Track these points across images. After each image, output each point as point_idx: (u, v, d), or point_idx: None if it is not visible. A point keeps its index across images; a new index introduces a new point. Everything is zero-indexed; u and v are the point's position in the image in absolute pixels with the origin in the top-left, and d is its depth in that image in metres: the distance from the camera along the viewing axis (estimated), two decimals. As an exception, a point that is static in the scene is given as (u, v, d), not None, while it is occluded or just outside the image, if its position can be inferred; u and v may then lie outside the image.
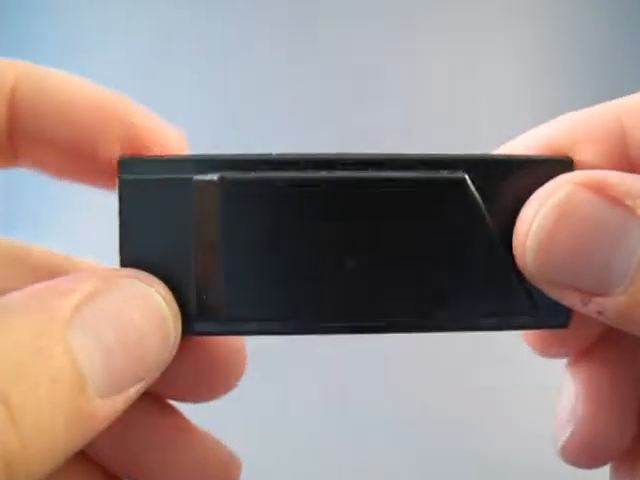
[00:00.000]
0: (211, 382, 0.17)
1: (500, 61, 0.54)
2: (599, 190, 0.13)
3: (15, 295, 0.12)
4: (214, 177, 0.14)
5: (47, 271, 0.16)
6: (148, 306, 0.13)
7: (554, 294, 0.14)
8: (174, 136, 0.16)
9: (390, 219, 0.14)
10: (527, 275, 0.14)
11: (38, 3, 0.55)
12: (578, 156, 0.15)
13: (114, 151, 0.15)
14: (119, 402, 0.13)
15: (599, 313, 0.13)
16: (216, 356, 0.17)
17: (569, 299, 0.14)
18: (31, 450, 0.11)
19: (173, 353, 0.14)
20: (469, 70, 0.53)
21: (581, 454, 0.18)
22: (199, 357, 0.17)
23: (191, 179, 0.14)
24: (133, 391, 0.13)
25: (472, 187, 0.14)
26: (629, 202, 0.13)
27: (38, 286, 0.13)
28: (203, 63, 0.53)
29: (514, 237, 0.14)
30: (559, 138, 0.15)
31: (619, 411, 0.17)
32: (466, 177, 0.14)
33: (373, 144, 0.49)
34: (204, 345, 0.17)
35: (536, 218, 0.13)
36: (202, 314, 0.14)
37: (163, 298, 0.14)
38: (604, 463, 0.18)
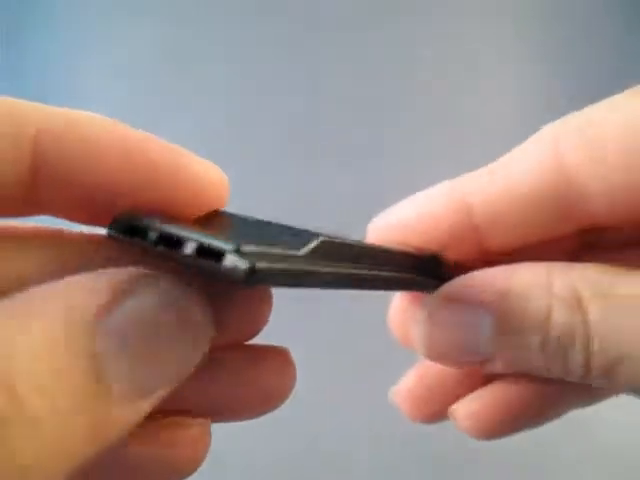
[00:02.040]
0: (261, 395, 0.16)
1: (500, 58, 0.54)
2: (450, 299, 0.17)
3: (38, 292, 0.12)
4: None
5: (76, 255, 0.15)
6: (179, 310, 0.12)
7: None
8: (213, 183, 0.15)
9: None
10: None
11: (40, 18, 0.55)
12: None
13: (144, 198, 0.14)
14: (144, 406, 0.12)
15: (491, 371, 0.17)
16: (264, 366, 0.16)
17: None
18: (48, 461, 0.11)
19: (205, 352, 0.13)
20: (468, 71, 0.53)
21: (408, 401, 0.20)
22: (245, 368, 0.16)
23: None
24: (160, 394, 0.12)
25: None
26: (473, 299, 0.16)
27: (62, 284, 0.12)
28: (207, 72, 0.53)
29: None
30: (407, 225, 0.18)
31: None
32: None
33: (372, 148, 0.49)
34: (251, 354, 0.16)
35: (415, 328, 0.18)
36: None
37: (195, 301, 0.13)
38: (435, 417, 0.21)
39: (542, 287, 0.16)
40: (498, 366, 0.17)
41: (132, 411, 0.12)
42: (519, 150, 0.17)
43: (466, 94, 0.52)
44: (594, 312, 0.15)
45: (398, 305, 0.19)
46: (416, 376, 0.20)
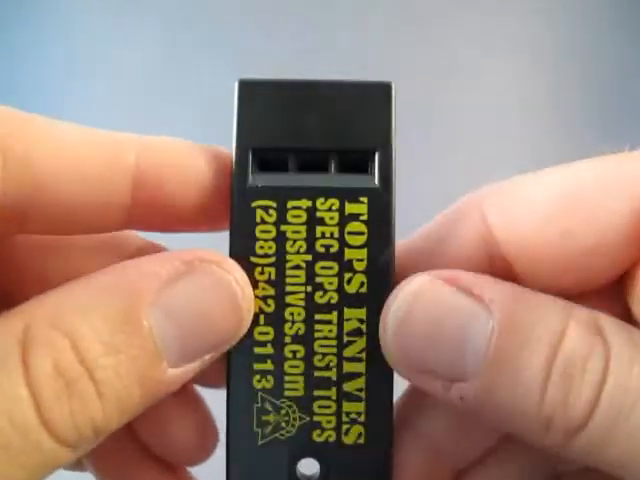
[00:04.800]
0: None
1: (501, 63, 0.54)
2: (451, 281, 0.14)
3: (103, 274, 0.14)
4: None
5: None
6: (224, 293, 0.14)
7: (416, 381, 0.15)
8: (191, 174, 0.15)
9: None
10: (389, 361, 0.15)
11: (38, 17, 0.55)
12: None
13: (126, 198, 0.15)
14: (188, 370, 0.14)
15: (461, 399, 0.14)
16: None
17: (431, 385, 0.14)
18: (112, 419, 0.13)
19: (245, 330, 0.15)
20: (469, 76, 0.53)
21: None
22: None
23: None
24: (205, 360, 0.14)
25: None
26: (477, 290, 0.14)
27: (125, 265, 0.14)
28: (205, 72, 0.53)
29: (380, 324, 0.15)
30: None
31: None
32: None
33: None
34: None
35: (394, 303, 0.14)
36: None
37: (238, 284, 0.14)
38: None
39: (560, 305, 0.14)
40: (471, 391, 0.14)
41: (178, 375, 0.14)
42: (449, 212, 0.16)
43: (467, 94, 0.52)
44: (617, 344, 0.13)
45: None
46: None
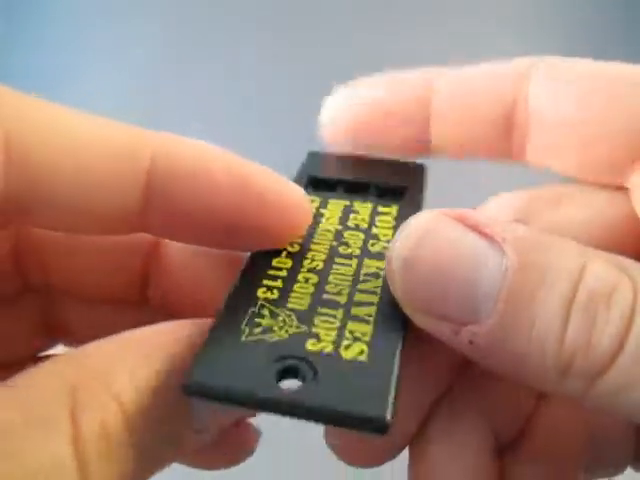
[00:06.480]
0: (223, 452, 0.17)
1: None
2: (459, 219, 0.13)
3: (151, 334, 0.13)
4: None
5: None
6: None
7: (425, 324, 0.14)
8: (302, 212, 0.15)
9: None
10: (399, 302, 0.14)
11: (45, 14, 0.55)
12: None
13: (135, 205, 0.14)
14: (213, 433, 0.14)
15: (471, 343, 0.13)
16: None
17: (438, 328, 0.13)
18: (145, 477, 0.13)
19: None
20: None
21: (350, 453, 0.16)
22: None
23: None
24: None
25: None
26: (487, 230, 0.13)
27: (167, 328, 0.13)
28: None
29: (385, 264, 0.14)
30: None
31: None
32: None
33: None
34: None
35: (398, 241, 0.13)
36: None
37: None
38: (377, 463, 0.17)
39: (576, 245, 0.13)
40: (482, 333, 0.13)
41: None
42: (490, 65, 0.18)
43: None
44: None
45: None
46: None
